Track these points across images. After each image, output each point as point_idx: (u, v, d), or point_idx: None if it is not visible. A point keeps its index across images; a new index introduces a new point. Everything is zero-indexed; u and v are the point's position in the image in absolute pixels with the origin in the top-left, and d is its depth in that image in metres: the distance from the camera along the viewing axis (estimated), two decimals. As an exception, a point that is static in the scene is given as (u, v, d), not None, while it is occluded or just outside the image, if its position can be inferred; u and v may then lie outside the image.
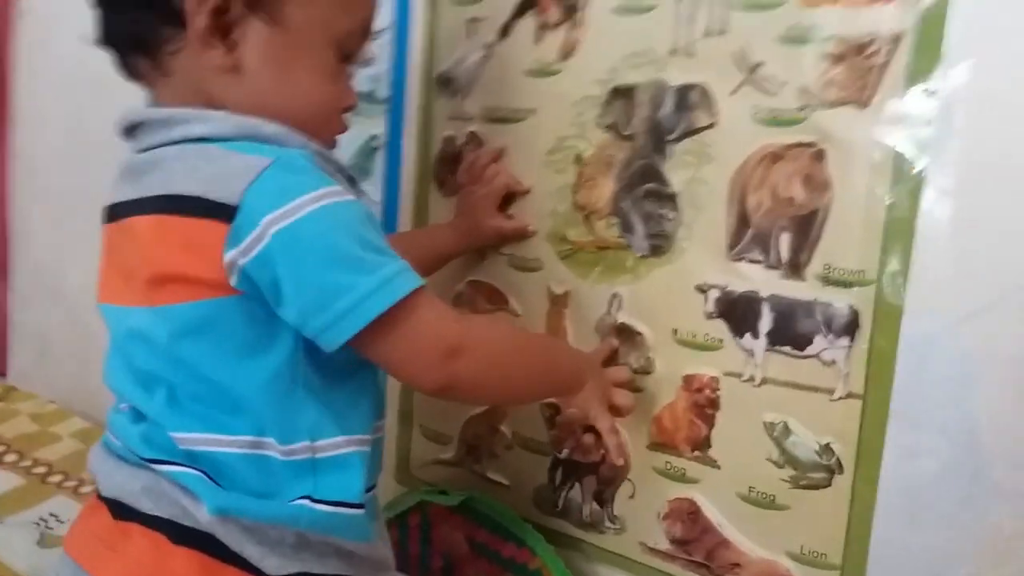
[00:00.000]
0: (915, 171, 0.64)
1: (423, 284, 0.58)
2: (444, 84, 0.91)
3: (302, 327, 0.57)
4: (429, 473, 0.97)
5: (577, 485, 0.85)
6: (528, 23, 0.84)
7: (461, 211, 0.89)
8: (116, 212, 0.63)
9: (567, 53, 0.82)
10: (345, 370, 0.62)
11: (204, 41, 0.59)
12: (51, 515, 0.99)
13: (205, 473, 0.58)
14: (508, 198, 0.88)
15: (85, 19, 0.64)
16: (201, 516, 0.58)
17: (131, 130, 0.64)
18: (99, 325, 0.66)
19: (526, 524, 0.84)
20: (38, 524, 0.98)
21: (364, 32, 0.67)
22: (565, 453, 0.85)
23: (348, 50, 0.66)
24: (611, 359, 0.80)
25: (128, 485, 0.60)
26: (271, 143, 0.59)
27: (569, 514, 0.86)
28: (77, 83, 1.37)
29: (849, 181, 0.67)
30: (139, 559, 0.58)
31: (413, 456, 0.99)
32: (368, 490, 0.64)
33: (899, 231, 0.65)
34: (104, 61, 0.64)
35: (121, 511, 0.60)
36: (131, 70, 0.64)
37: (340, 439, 0.61)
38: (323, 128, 0.66)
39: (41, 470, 1.14)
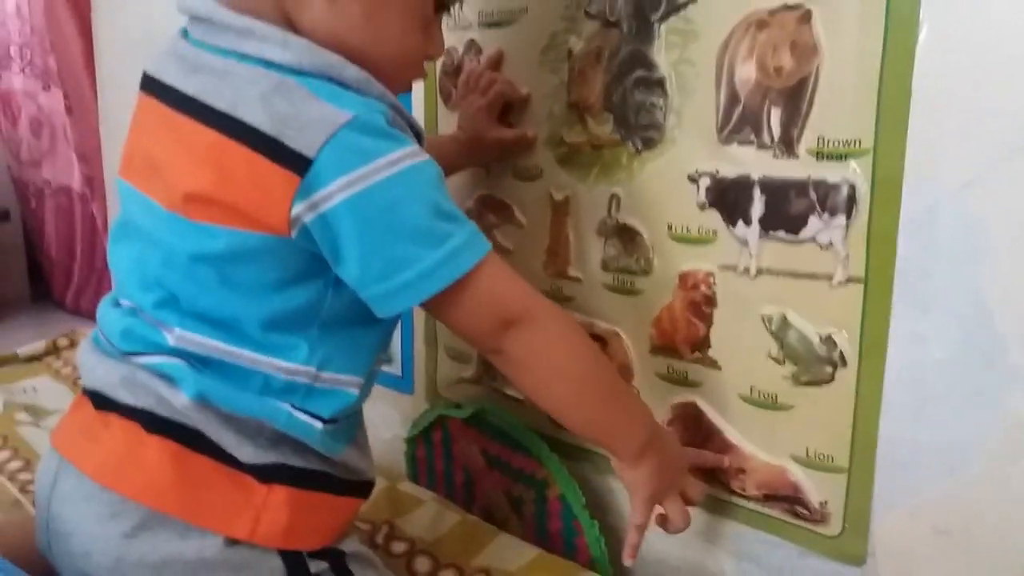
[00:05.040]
0: (908, 25, 0.57)
1: (488, 252, 0.58)
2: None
3: (360, 290, 0.57)
4: (454, 392, 0.97)
5: (585, 395, 0.82)
6: (514, -84, 0.80)
7: (462, 124, 0.87)
8: (160, 92, 0.60)
9: (552, -58, 0.77)
10: (368, 318, 0.61)
11: None
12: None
13: (188, 362, 0.59)
14: (509, 106, 0.85)
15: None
16: (178, 402, 0.58)
17: (195, 19, 0.60)
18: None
19: (532, 434, 0.83)
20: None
21: None
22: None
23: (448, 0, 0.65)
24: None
25: (108, 377, 0.61)
26: (351, 88, 0.57)
27: (581, 426, 0.83)
28: (149, 49, 1.44)
29: (838, 43, 0.60)
30: (114, 448, 0.60)
31: (440, 376, 0.99)
32: (347, 416, 0.64)
33: (894, 92, 0.58)
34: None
35: (102, 402, 0.61)
36: None
37: (343, 376, 0.62)
38: (403, 74, 0.65)
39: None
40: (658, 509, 0.67)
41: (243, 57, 0.57)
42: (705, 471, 0.72)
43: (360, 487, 0.68)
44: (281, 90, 0.55)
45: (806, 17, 0.61)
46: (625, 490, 0.79)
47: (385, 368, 1.05)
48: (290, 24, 0.59)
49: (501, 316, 0.59)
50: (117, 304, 0.64)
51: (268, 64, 0.56)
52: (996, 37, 0.54)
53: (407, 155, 0.56)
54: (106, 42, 1.61)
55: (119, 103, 1.63)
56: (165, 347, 0.60)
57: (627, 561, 0.68)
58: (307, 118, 0.54)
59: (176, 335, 0.59)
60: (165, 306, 0.60)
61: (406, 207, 0.55)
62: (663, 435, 0.67)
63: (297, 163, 0.53)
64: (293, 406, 0.60)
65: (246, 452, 0.60)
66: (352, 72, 0.58)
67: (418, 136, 0.62)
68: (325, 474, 0.64)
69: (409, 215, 0.55)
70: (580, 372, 0.62)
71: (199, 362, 0.59)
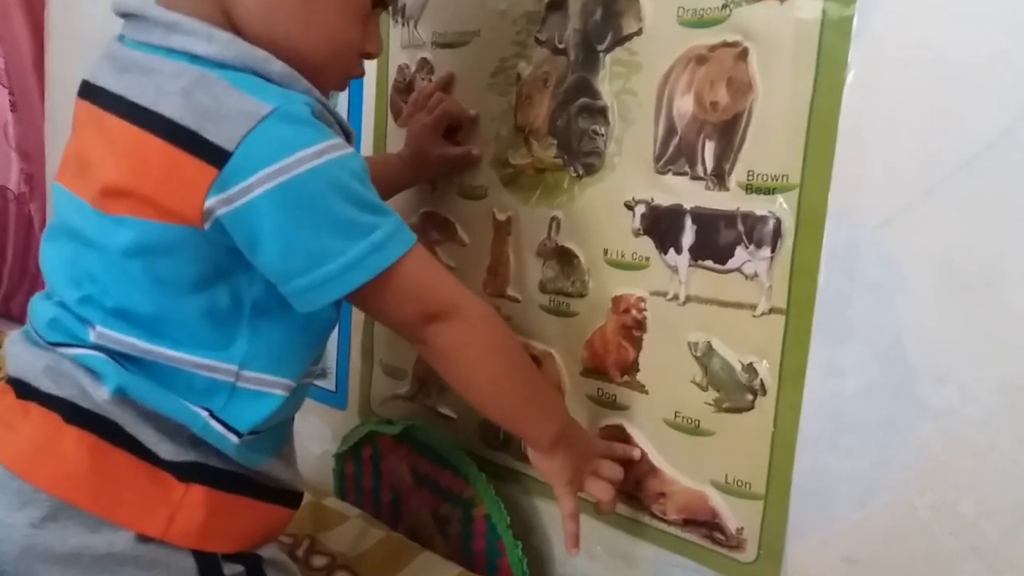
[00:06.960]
0: (838, 68, 0.59)
1: (413, 244, 0.58)
2: (397, 11, 0.90)
3: (281, 284, 0.56)
4: (388, 409, 0.96)
5: (516, 415, 0.82)
6: (472, -58, 0.82)
7: (408, 142, 0.87)
8: (94, 95, 0.60)
9: (506, -31, 0.79)
10: (300, 316, 0.60)
11: None
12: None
13: (112, 357, 0.58)
14: (457, 126, 0.86)
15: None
16: (99, 396, 0.57)
17: (126, 16, 0.61)
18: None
19: (461, 452, 0.83)
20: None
21: None
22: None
23: None
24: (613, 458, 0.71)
25: (33, 365, 0.60)
26: (274, 82, 0.57)
27: (510, 446, 0.83)
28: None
29: (772, 80, 0.63)
30: (32, 437, 0.58)
31: (374, 392, 0.98)
32: (267, 429, 0.63)
33: (822, 130, 0.60)
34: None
35: (24, 390, 0.60)
36: None
37: (268, 377, 0.61)
38: (338, 68, 0.64)
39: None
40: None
41: (169, 52, 0.57)
42: (627, 494, 0.72)
43: (285, 496, 0.66)
44: (202, 83, 0.55)
45: (743, 55, 0.64)
46: (550, 514, 0.80)
47: (319, 383, 1.04)
48: (227, 17, 0.59)
49: (425, 308, 0.59)
50: (48, 297, 0.64)
51: (193, 58, 0.56)
52: (917, 84, 0.56)
53: (331, 147, 0.55)
54: (58, 41, 1.58)
55: (66, 103, 1.60)
56: (88, 342, 0.59)
57: (571, 551, 0.69)
58: (227, 111, 0.54)
59: (96, 332, 0.59)
60: (88, 302, 0.60)
61: (330, 199, 0.55)
62: (574, 426, 0.69)
63: (215, 156, 0.53)
64: (211, 414, 0.59)
65: (166, 449, 0.59)
66: (277, 67, 0.57)
67: (347, 135, 0.62)
68: (246, 478, 0.63)
69: (333, 207, 0.55)
70: (500, 365, 0.63)
71: (122, 358, 0.58)
